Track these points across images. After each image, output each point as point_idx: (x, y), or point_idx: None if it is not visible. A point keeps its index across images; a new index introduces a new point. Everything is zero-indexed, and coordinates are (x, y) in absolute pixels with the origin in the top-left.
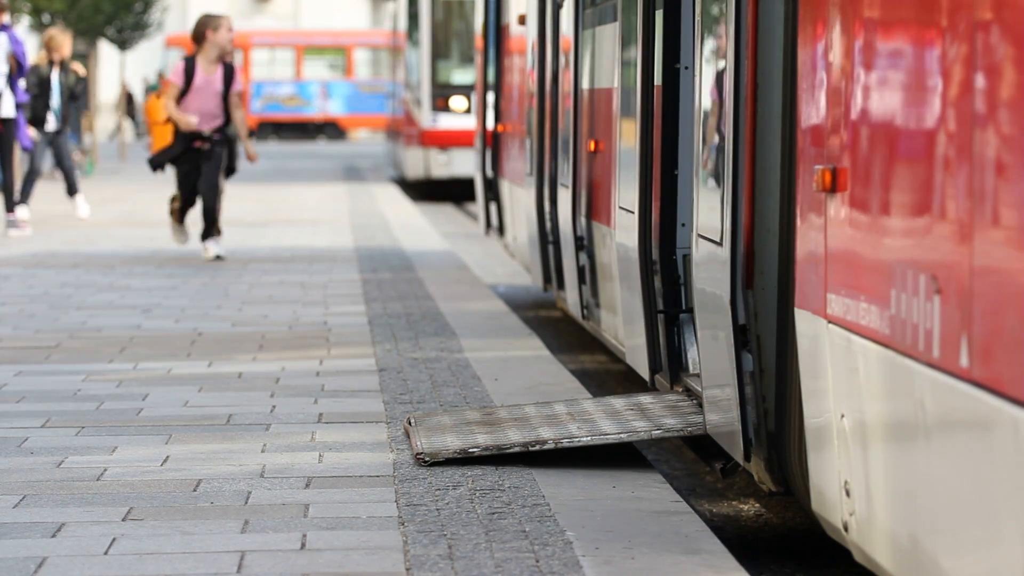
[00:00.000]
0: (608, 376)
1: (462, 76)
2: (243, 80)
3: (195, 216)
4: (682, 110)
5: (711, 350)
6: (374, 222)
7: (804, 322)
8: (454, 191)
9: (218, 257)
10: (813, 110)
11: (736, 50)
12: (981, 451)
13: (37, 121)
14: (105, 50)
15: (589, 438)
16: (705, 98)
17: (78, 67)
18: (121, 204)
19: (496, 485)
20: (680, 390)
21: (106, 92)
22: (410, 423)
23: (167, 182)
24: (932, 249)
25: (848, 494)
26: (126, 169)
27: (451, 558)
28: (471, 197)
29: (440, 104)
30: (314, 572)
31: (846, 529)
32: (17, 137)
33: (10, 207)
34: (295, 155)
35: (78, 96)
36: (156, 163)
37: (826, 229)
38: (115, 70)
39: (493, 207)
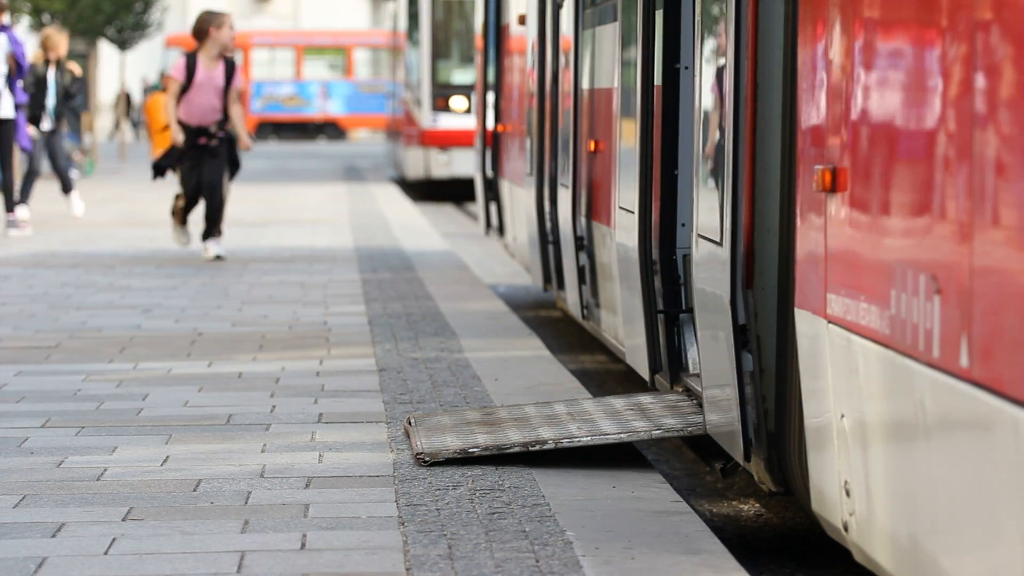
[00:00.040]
0: (608, 376)
1: (462, 76)
2: (243, 80)
3: (197, 216)
4: (682, 110)
5: (711, 350)
6: (374, 222)
7: (804, 322)
8: (454, 191)
9: (218, 257)
10: (813, 110)
11: (736, 50)
12: (981, 451)
13: (33, 120)
14: (105, 50)
15: (589, 438)
16: (705, 98)
17: (74, 66)
18: (121, 204)
19: (496, 485)
20: (680, 390)
21: (106, 92)
22: (410, 423)
23: (167, 183)
24: (932, 249)
25: (848, 494)
26: (126, 169)
27: (451, 558)
28: (471, 197)
29: (440, 104)
30: (314, 572)
31: (846, 529)
32: (16, 138)
33: (10, 207)
34: (295, 155)
35: (73, 95)
36: (159, 169)
37: (826, 229)
38: (115, 70)
39: (493, 207)
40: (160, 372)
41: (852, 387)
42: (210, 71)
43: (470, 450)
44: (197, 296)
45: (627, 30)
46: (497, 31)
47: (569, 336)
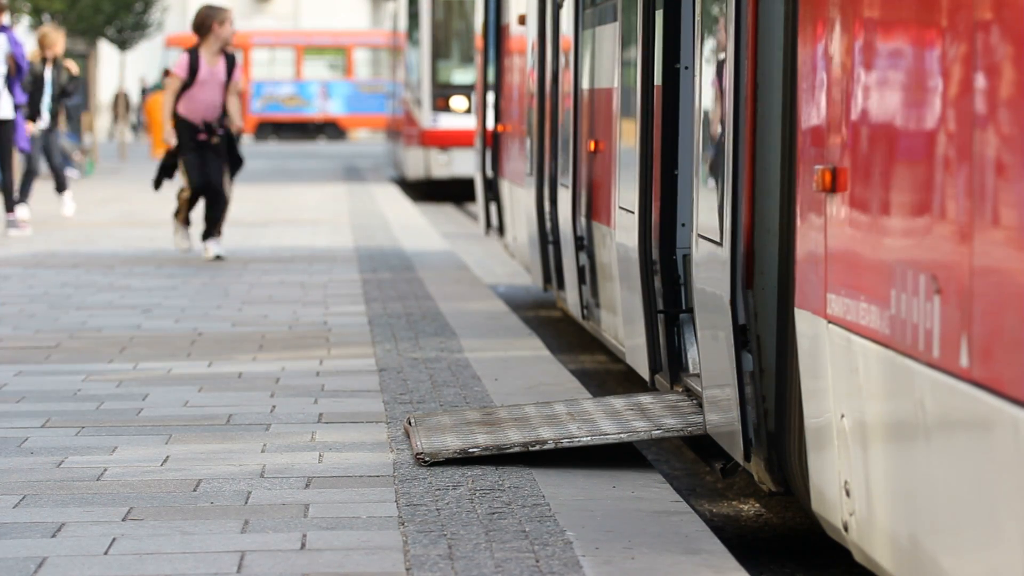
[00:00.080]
0: (608, 376)
1: (462, 76)
2: (243, 79)
3: (197, 216)
4: (682, 110)
5: (711, 350)
6: (374, 222)
7: (804, 322)
8: (454, 191)
9: (218, 257)
10: (813, 110)
11: (736, 50)
12: (981, 451)
13: (30, 117)
14: (105, 50)
15: (589, 438)
16: (705, 98)
17: (71, 65)
18: (121, 204)
19: (496, 485)
20: (680, 390)
21: (106, 92)
22: (410, 423)
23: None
24: (932, 249)
25: (848, 494)
26: (126, 169)
27: (451, 558)
28: (471, 197)
29: (440, 104)
30: (314, 572)
31: (846, 529)
32: (15, 138)
33: (10, 207)
34: (295, 155)
35: (70, 94)
36: (158, 183)
37: (826, 229)
38: (115, 70)
39: (493, 207)
40: (160, 372)
41: (852, 387)
42: (212, 67)
43: (470, 450)
44: (197, 296)
45: (627, 30)
46: (497, 31)
47: (569, 336)
